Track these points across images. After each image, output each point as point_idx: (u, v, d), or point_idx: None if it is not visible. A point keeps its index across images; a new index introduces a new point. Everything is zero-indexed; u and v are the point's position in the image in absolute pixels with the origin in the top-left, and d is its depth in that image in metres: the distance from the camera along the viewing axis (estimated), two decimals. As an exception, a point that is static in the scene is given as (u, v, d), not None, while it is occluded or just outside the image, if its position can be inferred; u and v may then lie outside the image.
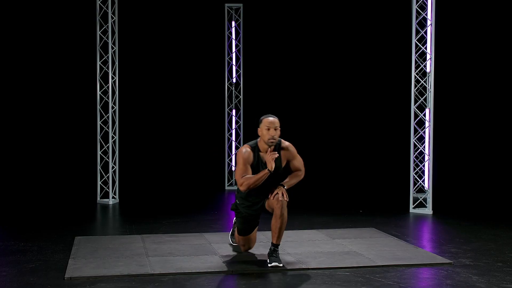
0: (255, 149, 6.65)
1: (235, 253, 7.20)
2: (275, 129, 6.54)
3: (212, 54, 14.42)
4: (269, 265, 6.57)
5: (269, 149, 6.58)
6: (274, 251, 6.64)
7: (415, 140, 10.32)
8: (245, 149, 6.61)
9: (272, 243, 6.66)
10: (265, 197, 6.70)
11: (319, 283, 6.04)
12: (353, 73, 15.54)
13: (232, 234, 7.51)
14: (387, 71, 15.09)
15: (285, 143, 6.77)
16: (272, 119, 6.54)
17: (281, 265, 6.57)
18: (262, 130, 6.57)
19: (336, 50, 15.48)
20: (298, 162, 6.85)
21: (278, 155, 6.55)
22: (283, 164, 6.75)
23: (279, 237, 6.61)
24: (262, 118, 6.60)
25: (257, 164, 6.62)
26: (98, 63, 11.06)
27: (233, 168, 12.96)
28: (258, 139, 6.68)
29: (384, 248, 7.50)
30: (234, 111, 13.06)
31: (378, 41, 15.22)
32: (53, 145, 14.42)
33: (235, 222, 7.25)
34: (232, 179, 13.02)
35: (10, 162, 14.14)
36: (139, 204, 11.13)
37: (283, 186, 6.65)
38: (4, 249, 7.50)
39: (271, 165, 6.43)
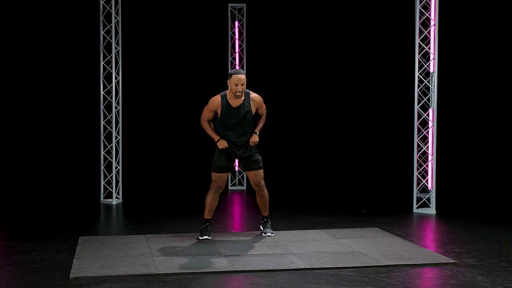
0: (224, 97, 7.75)
1: (239, 253, 7.20)
2: (242, 85, 7.58)
3: (215, 54, 14.41)
4: (263, 234, 8.17)
5: (222, 140, 7.81)
6: (266, 222, 8.24)
7: (418, 140, 10.31)
8: (215, 98, 7.79)
9: (263, 215, 8.23)
10: (241, 146, 7.84)
11: (324, 283, 6.05)
12: (357, 73, 15.53)
13: (202, 231, 8.13)
14: (390, 71, 15.08)
15: (254, 94, 7.84)
16: (239, 76, 7.57)
17: (272, 234, 8.16)
18: (231, 84, 7.63)
19: (339, 50, 15.47)
20: (263, 109, 7.92)
21: (255, 140, 7.85)
22: (253, 111, 7.79)
23: (265, 210, 8.17)
24: (231, 72, 7.65)
25: (226, 109, 7.71)
26: (102, 63, 11.07)
27: (236, 168, 12.96)
28: (228, 90, 7.76)
29: (388, 248, 7.50)
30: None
31: (381, 41, 15.21)
32: (56, 145, 14.43)
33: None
34: (235, 179, 13.02)
35: (13, 162, 14.15)
36: (143, 204, 11.14)
37: (256, 133, 7.89)
38: (9, 249, 7.51)
39: (222, 144, 7.80)
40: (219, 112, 7.73)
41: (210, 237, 7.97)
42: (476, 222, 9.34)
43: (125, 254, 7.17)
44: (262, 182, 7.98)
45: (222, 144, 7.78)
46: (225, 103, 7.70)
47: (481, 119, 14.52)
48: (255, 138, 7.85)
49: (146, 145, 14.88)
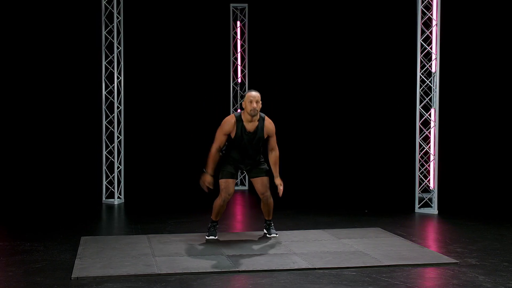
0: (239, 119, 7.64)
1: (241, 253, 7.20)
2: (257, 102, 7.54)
3: (217, 54, 14.43)
4: (268, 235, 8.15)
5: (205, 178, 7.82)
6: (270, 225, 8.21)
7: (420, 140, 10.31)
8: (229, 119, 7.70)
9: (265, 219, 8.20)
10: (248, 163, 7.86)
11: (326, 282, 6.05)
12: (359, 73, 15.54)
13: (209, 231, 8.12)
14: (392, 72, 15.08)
15: (269, 120, 7.77)
16: (254, 93, 7.57)
17: (277, 235, 8.15)
18: (245, 102, 7.59)
19: (341, 50, 15.47)
20: (274, 141, 7.88)
21: (281, 189, 7.78)
22: (265, 136, 7.75)
23: (269, 215, 8.14)
24: (246, 92, 7.77)
25: (240, 132, 7.64)
26: (104, 63, 11.08)
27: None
28: (243, 111, 7.69)
29: (390, 248, 7.50)
30: (239, 111, 13.05)
31: (383, 42, 15.21)
32: (58, 145, 14.44)
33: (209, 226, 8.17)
34: (237, 179, 13.01)
35: (15, 162, 14.17)
36: (145, 204, 11.14)
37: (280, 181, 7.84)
38: (11, 249, 7.51)
39: (205, 181, 7.80)
40: (232, 134, 7.67)
41: (216, 237, 8.00)
42: (478, 222, 9.34)
43: (127, 254, 7.17)
44: (268, 191, 7.92)
45: (203, 183, 7.81)
46: (240, 126, 7.65)
47: (483, 119, 14.53)
48: (281, 185, 7.79)
49: (148, 145, 14.88)
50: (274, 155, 7.89)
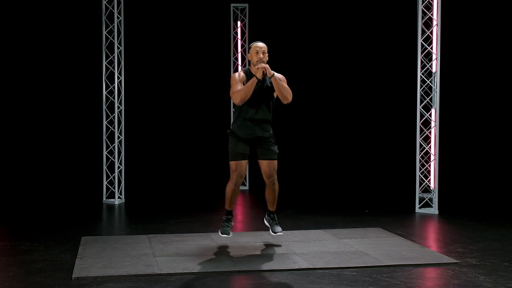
0: (247, 72, 7.29)
1: (242, 253, 7.20)
2: (263, 53, 7.20)
3: (218, 54, 14.43)
4: (273, 233, 7.53)
5: (261, 63, 7.13)
6: (273, 218, 7.62)
7: (421, 140, 10.31)
8: (239, 72, 7.33)
9: (270, 210, 7.61)
10: (258, 126, 7.29)
11: (326, 282, 6.05)
12: (359, 73, 15.54)
13: (223, 226, 7.59)
14: (393, 71, 15.08)
15: (278, 74, 7.29)
16: (260, 44, 7.24)
17: (282, 233, 7.56)
18: (251, 54, 7.24)
19: (342, 50, 15.47)
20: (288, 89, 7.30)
21: (266, 65, 7.08)
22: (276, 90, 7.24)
23: (274, 204, 7.57)
24: (251, 44, 7.31)
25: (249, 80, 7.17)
26: (104, 63, 11.08)
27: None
28: (249, 66, 7.35)
29: (391, 248, 7.50)
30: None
31: (383, 42, 15.21)
32: (59, 145, 14.45)
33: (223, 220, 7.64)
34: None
35: (16, 162, 14.17)
36: (145, 204, 11.14)
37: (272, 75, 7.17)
38: (11, 249, 7.51)
39: (259, 74, 7.04)
40: (243, 82, 7.20)
41: (230, 235, 7.50)
42: (478, 222, 9.34)
43: (128, 254, 7.17)
44: (275, 176, 7.40)
45: (261, 70, 7.06)
46: (249, 76, 7.21)
47: (483, 119, 14.53)
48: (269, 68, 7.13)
49: (148, 145, 14.89)
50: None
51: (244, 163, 7.39)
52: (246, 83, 7.14)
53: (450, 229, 8.92)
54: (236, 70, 12.95)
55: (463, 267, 6.65)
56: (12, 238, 8.12)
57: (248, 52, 7.34)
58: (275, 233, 7.52)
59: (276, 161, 7.42)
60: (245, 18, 12.94)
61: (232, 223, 7.62)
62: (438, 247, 7.76)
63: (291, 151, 15.18)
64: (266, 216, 7.71)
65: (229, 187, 7.43)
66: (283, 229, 8.58)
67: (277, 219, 7.67)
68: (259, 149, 7.38)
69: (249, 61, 7.40)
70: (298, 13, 15.37)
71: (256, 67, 7.09)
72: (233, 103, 7.30)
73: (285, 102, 7.30)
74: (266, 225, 7.81)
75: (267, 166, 7.36)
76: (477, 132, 14.52)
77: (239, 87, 7.14)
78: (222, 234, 7.49)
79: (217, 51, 14.60)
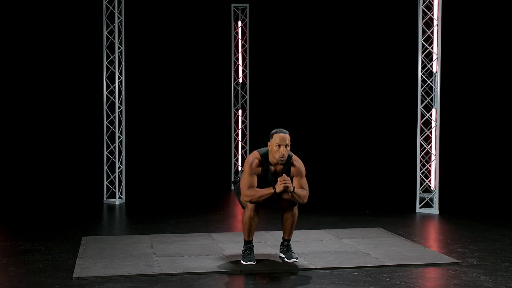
0: (265, 159, 6.62)
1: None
2: (286, 146, 6.51)
3: (219, 54, 14.43)
4: (288, 260, 6.76)
5: (283, 174, 6.48)
6: (288, 246, 6.88)
7: (421, 140, 10.31)
8: (255, 158, 6.60)
9: (285, 239, 6.88)
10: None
11: (327, 283, 6.04)
12: (360, 73, 15.52)
13: (245, 256, 6.84)
14: (393, 71, 15.07)
15: (297, 160, 6.76)
16: (283, 135, 6.51)
17: (297, 259, 6.78)
18: (272, 146, 6.53)
19: (343, 50, 15.46)
20: (303, 183, 6.78)
21: (288, 183, 6.42)
22: (291, 176, 6.70)
23: (291, 233, 6.85)
24: (273, 132, 6.57)
25: (265, 174, 6.63)
26: (105, 63, 11.08)
27: (239, 168, 12.96)
28: (269, 150, 6.63)
29: (391, 248, 7.50)
30: (240, 111, 13.07)
31: (384, 42, 15.20)
32: (59, 145, 14.44)
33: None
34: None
35: (16, 162, 14.17)
36: (146, 204, 11.15)
37: (293, 188, 6.56)
38: (12, 249, 7.51)
39: (280, 188, 6.39)
40: (258, 173, 6.60)
41: (254, 263, 6.71)
42: (479, 222, 9.34)
43: (128, 254, 7.17)
44: (296, 210, 6.88)
45: (282, 185, 6.41)
46: (265, 168, 6.64)
47: (484, 119, 14.52)
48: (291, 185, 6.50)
49: (149, 145, 14.88)
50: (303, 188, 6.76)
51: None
52: (262, 175, 6.59)
53: (451, 229, 8.92)
54: (236, 70, 12.94)
55: (464, 267, 6.65)
56: (13, 238, 8.12)
57: (269, 140, 6.59)
58: (289, 259, 6.80)
59: (304, 179, 6.82)
60: (246, 18, 12.94)
61: (253, 251, 6.86)
62: (439, 247, 7.76)
63: (292, 151, 15.17)
64: (281, 246, 7.00)
65: (247, 215, 6.67)
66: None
67: (291, 247, 6.97)
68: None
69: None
70: (299, 13, 15.36)
71: (280, 183, 6.35)
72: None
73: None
74: (280, 256, 7.04)
75: (288, 204, 6.77)
76: (478, 132, 14.51)
77: (253, 184, 6.55)
78: (245, 262, 6.72)
79: (217, 51, 14.59)
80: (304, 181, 6.77)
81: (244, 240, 6.81)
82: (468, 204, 11.11)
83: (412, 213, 10.13)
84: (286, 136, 6.54)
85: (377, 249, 7.40)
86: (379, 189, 12.96)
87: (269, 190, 6.44)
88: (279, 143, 6.48)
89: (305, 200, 6.77)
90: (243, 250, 6.82)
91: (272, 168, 6.66)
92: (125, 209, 10.66)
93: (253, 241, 6.85)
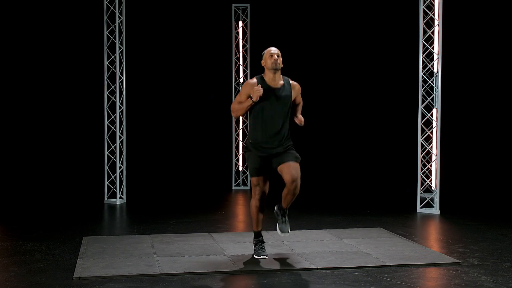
0: (261, 81, 6.91)
1: (243, 253, 7.20)
2: (278, 56, 6.91)
3: (219, 54, 14.43)
4: (279, 232, 6.93)
5: (258, 86, 6.83)
6: (284, 214, 6.94)
7: (422, 140, 10.31)
8: (251, 80, 6.97)
9: (282, 207, 6.91)
10: (276, 141, 6.87)
11: (328, 283, 6.05)
12: (360, 73, 15.53)
13: (257, 250, 7.08)
14: (394, 71, 15.07)
15: (294, 82, 7.18)
16: (274, 48, 6.97)
17: (288, 233, 6.93)
18: (265, 59, 6.95)
19: (344, 50, 15.47)
20: (300, 98, 7.39)
21: (262, 90, 6.77)
22: (293, 97, 7.10)
23: (288, 204, 6.90)
24: (264, 50, 7.01)
25: (267, 95, 6.84)
26: (106, 63, 11.08)
27: (240, 168, 12.97)
28: (263, 73, 7.00)
29: (392, 248, 7.50)
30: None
31: (385, 42, 15.20)
32: (60, 145, 14.45)
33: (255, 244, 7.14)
34: (239, 179, 13.02)
35: (17, 162, 14.18)
36: (147, 204, 11.14)
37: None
38: (13, 249, 7.52)
39: (256, 96, 6.75)
40: (255, 97, 6.78)
41: (267, 256, 6.98)
42: (480, 222, 9.33)
43: (129, 254, 7.17)
44: (299, 180, 6.81)
45: (259, 90, 6.75)
46: (263, 84, 6.86)
47: (485, 119, 14.52)
48: (301, 118, 7.21)
49: (150, 145, 14.89)
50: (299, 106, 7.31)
51: (265, 177, 6.98)
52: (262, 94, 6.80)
53: (452, 229, 8.92)
54: (237, 70, 12.95)
55: (465, 267, 6.65)
56: (14, 238, 8.13)
57: (262, 58, 6.99)
58: (281, 231, 6.93)
59: (298, 164, 6.88)
60: (247, 18, 12.94)
61: (264, 244, 7.09)
62: (440, 247, 7.76)
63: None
64: (277, 209, 7.00)
65: (253, 204, 6.97)
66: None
67: (287, 216, 7.00)
68: (276, 158, 6.87)
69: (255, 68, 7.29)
70: (299, 13, 15.36)
71: (254, 89, 6.76)
72: (249, 114, 7.00)
73: None
74: (276, 212, 7.06)
75: (290, 168, 6.77)
76: (478, 132, 14.51)
77: (238, 102, 6.93)
78: (258, 256, 6.97)
79: (218, 51, 14.60)
80: (300, 97, 7.40)
81: (254, 232, 7.05)
82: (469, 204, 11.10)
83: (413, 213, 10.12)
84: (277, 50, 6.97)
85: (378, 249, 7.40)
86: (380, 189, 12.95)
87: (247, 101, 6.84)
88: (272, 53, 6.91)
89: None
90: (253, 243, 7.08)
91: (271, 83, 6.92)
92: (126, 209, 10.66)
93: (261, 233, 7.09)
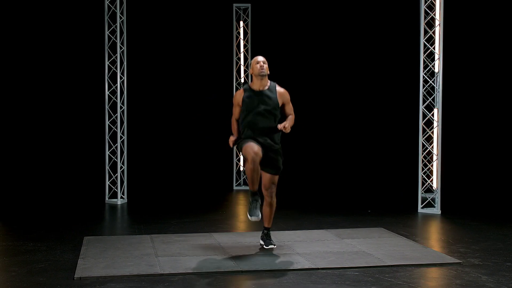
0: (247, 89, 7.34)
1: (244, 253, 7.20)
2: (264, 63, 7.27)
3: (220, 54, 14.43)
4: (265, 247, 7.46)
5: (283, 124, 7.13)
6: (267, 235, 7.54)
7: (423, 140, 10.31)
8: (239, 91, 7.45)
9: (265, 227, 7.54)
10: (266, 136, 7.24)
11: (329, 283, 6.05)
12: (362, 73, 15.53)
13: (251, 208, 7.19)
14: (395, 71, 15.07)
15: (281, 88, 7.46)
16: (260, 56, 7.34)
17: (275, 246, 7.48)
18: (252, 67, 7.33)
19: (345, 50, 15.47)
20: (290, 108, 7.47)
21: (287, 126, 7.15)
22: (280, 103, 7.36)
23: (270, 221, 7.51)
24: (252, 60, 7.53)
25: (249, 94, 7.29)
26: (107, 63, 11.09)
27: (241, 168, 12.97)
28: (250, 82, 7.43)
29: (393, 248, 7.50)
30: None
31: (386, 42, 15.20)
32: (61, 145, 14.46)
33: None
34: (240, 179, 13.02)
35: (19, 162, 14.18)
36: (148, 204, 11.15)
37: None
38: (14, 249, 7.52)
39: (231, 144, 7.48)
40: (240, 102, 7.29)
41: (260, 218, 7.10)
42: (481, 222, 9.33)
43: (130, 254, 7.18)
44: (274, 189, 7.35)
45: (230, 140, 7.45)
46: (248, 92, 7.29)
47: (486, 119, 14.51)
48: (286, 124, 7.14)
49: (151, 145, 14.89)
50: (290, 117, 7.39)
51: (254, 143, 7.12)
52: (243, 98, 7.30)
53: (453, 229, 8.92)
54: (238, 70, 12.95)
55: (466, 267, 6.65)
56: (15, 238, 8.14)
57: (250, 67, 7.45)
58: (267, 246, 7.48)
59: (277, 177, 7.37)
60: (248, 18, 12.94)
61: (259, 203, 7.17)
62: (441, 247, 7.75)
63: (293, 151, 15.18)
64: (262, 235, 7.60)
65: (248, 167, 7.08)
66: (286, 229, 8.62)
67: (271, 236, 7.58)
68: (266, 158, 7.21)
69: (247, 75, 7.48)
70: (300, 13, 15.36)
71: (231, 141, 7.52)
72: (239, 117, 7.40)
73: None
74: (260, 243, 7.61)
75: (268, 179, 7.33)
76: (479, 132, 14.51)
77: (234, 121, 7.53)
78: (251, 216, 7.08)
79: (219, 51, 14.60)
80: (291, 106, 7.49)
81: (250, 191, 7.16)
82: (470, 204, 11.10)
83: (414, 213, 10.12)
84: (262, 57, 7.33)
85: (378, 249, 7.40)
86: (381, 189, 12.95)
87: (231, 139, 7.48)
88: (258, 60, 7.28)
89: (294, 120, 7.46)
90: (249, 201, 7.18)
91: (256, 87, 7.32)
92: (127, 209, 10.66)
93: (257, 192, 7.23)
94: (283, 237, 8.11)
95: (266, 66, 7.28)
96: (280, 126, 7.13)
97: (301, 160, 15.16)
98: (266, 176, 7.32)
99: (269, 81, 7.39)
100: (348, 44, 15.46)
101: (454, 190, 12.13)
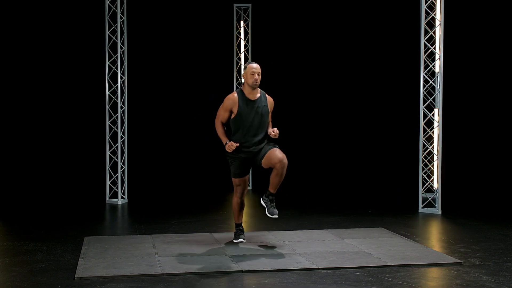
0: (240, 93, 7.46)
1: (244, 253, 7.20)
2: (258, 74, 7.41)
3: (221, 54, 14.43)
4: (269, 215, 7.40)
5: (231, 142, 7.34)
6: (272, 200, 7.44)
7: (424, 140, 10.31)
8: (232, 95, 7.47)
9: (269, 191, 7.42)
10: (255, 144, 7.42)
11: (329, 283, 6.04)
12: (362, 73, 15.53)
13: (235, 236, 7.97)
14: (396, 71, 15.07)
15: (269, 96, 7.64)
16: (255, 65, 7.44)
17: (277, 216, 7.42)
18: (247, 75, 7.43)
19: (345, 50, 15.47)
20: (269, 117, 7.64)
21: (234, 148, 7.35)
22: (269, 109, 7.58)
23: (276, 187, 7.40)
24: (246, 64, 7.53)
25: (244, 103, 7.40)
26: (107, 63, 11.08)
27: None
28: (242, 85, 7.53)
29: (394, 248, 7.50)
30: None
31: (386, 42, 15.20)
32: (62, 145, 14.46)
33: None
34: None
35: (19, 162, 14.18)
36: (148, 204, 11.15)
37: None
38: (14, 249, 7.52)
39: (230, 148, 7.35)
40: (235, 111, 7.35)
41: (244, 240, 7.86)
42: (481, 222, 9.33)
43: (131, 254, 7.18)
44: (286, 160, 7.20)
45: (230, 147, 7.31)
46: (242, 98, 7.39)
47: (486, 119, 14.51)
48: (276, 129, 7.38)
49: (151, 145, 14.89)
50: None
51: (246, 178, 7.75)
52: (238, 106, 7.38)
53: (453, 229, 8.91)
54: (239, 70, 12.95)
55: (466, 267, 6.65)
56: (15, 238, 8.14)
57: (244, 71, 7.52)
58: (271, 215, 7.37)
59: (279, 149, 7.31)
60: (248, 18, 12.93)
61: (274, 203, 7.43)
62: (441, 247, 7.75)
63: (294, 151, 15.17)
64: (264, 197, 7.46)
65: (235, 201, 7.85)
66: (286, 229, 8.62)
67: (275, 202, 7.47)
68: (258, 155, 7.43)
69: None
70: (301, 13, 15.36)
71: (227, 147, 7.40)
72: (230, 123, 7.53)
73: None
74: (262, 205, 7.52)
75: (274, 153, 7.24)
76: (480, 132, 14.51)
77: (224, 118, 7.49)
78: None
79: (220, 51, 14.59)
80: (270, 115, 7.65)
81: (235, 223, 7.95)
82: (471, 204, 11.10)
83: (415, 213, 10.12)
84: (258, 66, 7.45)
85: (379, 249, 7.40)
86: (382, 189, 12.95)
87: (223, 140, 7.45)
88: (253, 71, 7.39)
89: None
90: (234, 232, 7.97)
91: (250, 96, 7.44)
92: (127, 209, 10.66)
93: (242, 224, 8.03)
94: (284, 237, 8.11)
95: (259, 78, 7.44)
96: (273, 133, 7.39)
97: (302, 160, 15.16)
98: (270, 153, 7.27)
99: (258, 88, 7.57)
100: (349, 44, 15.46)
101: (454, 190, 12.13)
